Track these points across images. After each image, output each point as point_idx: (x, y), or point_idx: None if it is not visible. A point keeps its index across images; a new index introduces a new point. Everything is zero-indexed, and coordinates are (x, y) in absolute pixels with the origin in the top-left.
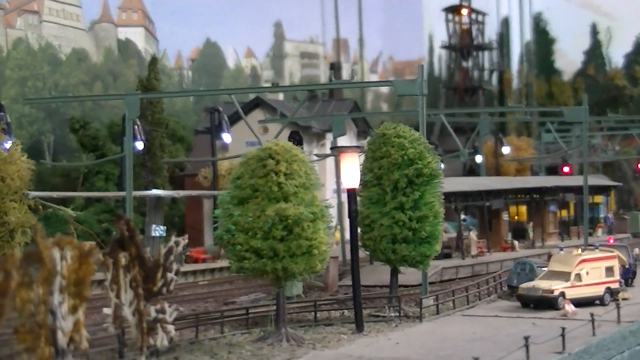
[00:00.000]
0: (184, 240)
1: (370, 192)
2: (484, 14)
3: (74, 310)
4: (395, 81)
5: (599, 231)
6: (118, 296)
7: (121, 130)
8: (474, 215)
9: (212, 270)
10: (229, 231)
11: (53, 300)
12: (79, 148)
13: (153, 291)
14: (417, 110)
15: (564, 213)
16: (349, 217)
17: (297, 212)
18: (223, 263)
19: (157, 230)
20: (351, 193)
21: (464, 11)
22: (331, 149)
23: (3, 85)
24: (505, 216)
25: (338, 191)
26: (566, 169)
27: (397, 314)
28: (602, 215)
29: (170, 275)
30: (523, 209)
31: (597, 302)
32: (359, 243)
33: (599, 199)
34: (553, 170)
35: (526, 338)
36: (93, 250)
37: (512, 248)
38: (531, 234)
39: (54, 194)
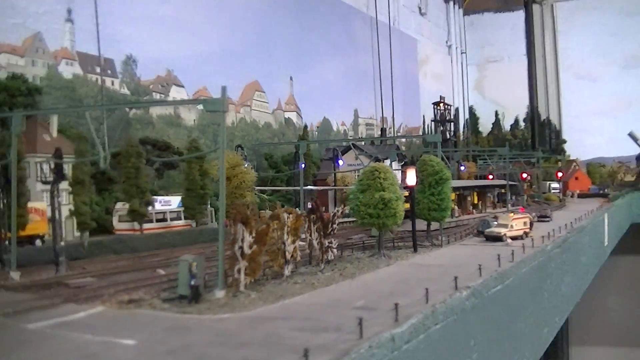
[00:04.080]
0: (339, 212)
1: (418, 187)
2: (450, 105)
3: (293, 242)
4: (426, 135)
5: (508, 205)
6: (310, 235)
7: (293, 158)
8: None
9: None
10: (357, 205)
11: (284, 237)
12: (268, 167)
13: (327, 233)
14: (427, 149)
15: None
16: (410, 198)
17: (389, 196)
18: (341, 220)
19: (310, 205)
20: (412, 188)
21: (442, 105)
22: (402, 166)
23: (234, 140)
24: (469, 198)
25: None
26: (491, 177)
27: (430, 243)
28: (507, 198)
29: (334, 225)
30: (476, 195)
31: (520, 238)
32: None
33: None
34: (483, 177)
35: (498, 255)
36: (301, 214)
37: (472, 213)
38: (480, 207)
39: (263, 188)
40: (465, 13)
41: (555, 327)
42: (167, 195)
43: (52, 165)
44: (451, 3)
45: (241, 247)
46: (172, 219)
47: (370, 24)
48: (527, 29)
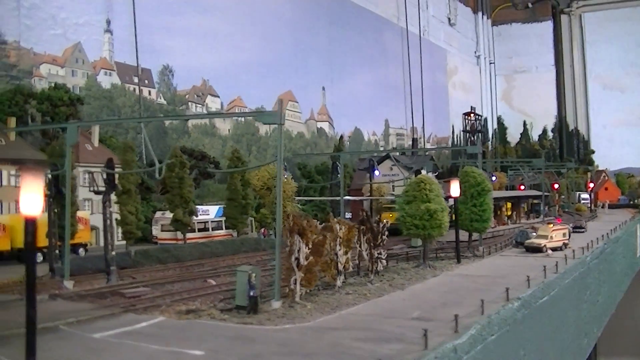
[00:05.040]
0: (387, 223)
1: (460, 198)
2: (480, 115)
3: (345, 253)
4: (467, 147)
5: (540, 216)
6: (360, 246)
7: (328, 168)
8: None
9: None
10: (403, 216)
11: (337, 248)
12: (301, 177)
13: (376, 244)
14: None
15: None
16: (455, 209)
17: (435, 207)
18: None
19: (347, 215)
20: (455, 199)
21: (472, 115)
22: (436, 176)
23: (268, 149)
24: (503, 208)
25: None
26: (522, 187)
27: (472, 254)
28: (540, 209)
29: (383, 237)
30: (509, 205)
31: (559, 249)
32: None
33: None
34: (513, 188)
35: (544, 266)
36: (354, 225)
37: (506, 224)
38: (514, 217)
39: (302, 199)
40: (494, 24)
41: (593, 338)
42: (202, 204)
43: (104, 176)
44: (480, 14)
45: (297, 258)
46: (213, 229)
47: (401, 35)
48: (555, 39)
